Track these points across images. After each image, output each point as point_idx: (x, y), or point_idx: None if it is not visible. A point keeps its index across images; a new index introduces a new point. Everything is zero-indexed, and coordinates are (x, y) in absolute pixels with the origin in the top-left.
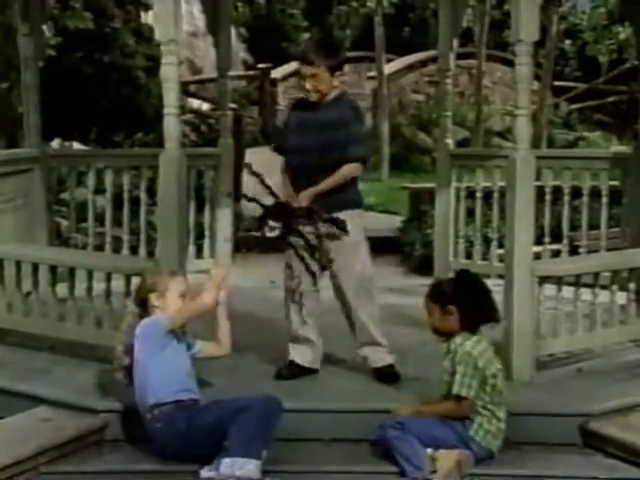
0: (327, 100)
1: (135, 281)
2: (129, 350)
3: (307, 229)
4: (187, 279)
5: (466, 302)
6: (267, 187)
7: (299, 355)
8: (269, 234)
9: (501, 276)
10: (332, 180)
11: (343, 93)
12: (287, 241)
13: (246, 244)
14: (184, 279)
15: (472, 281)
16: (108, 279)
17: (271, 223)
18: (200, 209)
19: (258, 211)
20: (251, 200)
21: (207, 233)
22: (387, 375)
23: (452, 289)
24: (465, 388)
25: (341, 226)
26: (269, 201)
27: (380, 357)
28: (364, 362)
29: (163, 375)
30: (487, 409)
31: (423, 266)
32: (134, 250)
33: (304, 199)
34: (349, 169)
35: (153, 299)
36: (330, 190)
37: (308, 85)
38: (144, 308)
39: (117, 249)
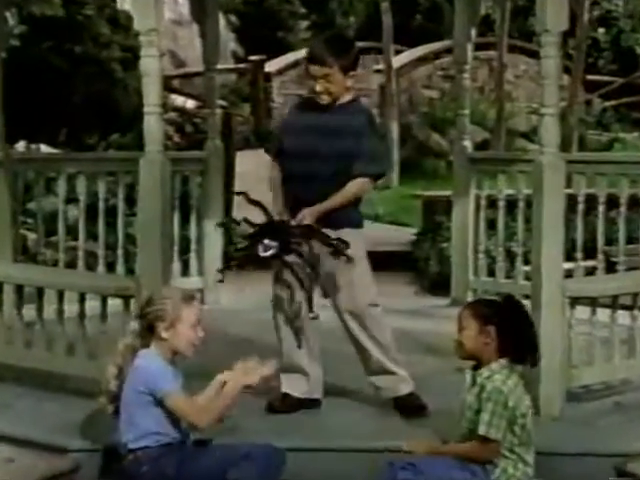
0: (339, 104)
1: (114, 302)
2: (121, 375)
3: (304, 249)
4: (200, 305)
5: (509, 329)
6: (257, 204)
7: (292, 386)
8: (263, 253)
9: (527, 296)
10: (340, 198)
11: (356, 98)
12: (283, 260)
13: (239, 260)
14: (198, 304)
15: (520, 310)
16: (81, 300)
17: (266, 242)
18: (186, 220)
19: (249, 228)
20: (238, 222)
21: (194, 247)
22: (410, 406)
23: (497, 310)
24: (494, 429)
25: (343, 249)
26: (260, 219)
27: (395, 385)
28: (376, 392)
29: (153, 414)
30: (514, 452)
31: (438, 285)
32: (111, 267)
33: (308, 217)
34: (360, 186)
35: (161, 329)
36: (323, 200)
37: (319, 87)
38: (150, 333)
39: (91, 266)
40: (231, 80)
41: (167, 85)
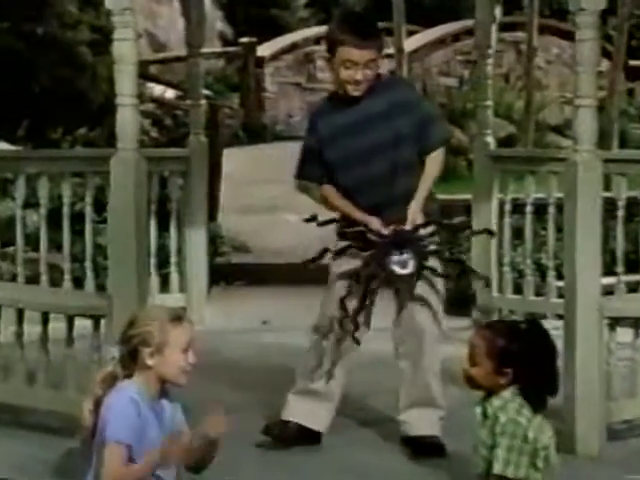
0: (370, 89)
1: (82, 323)
2: (98, 410)
3: (444, 253)
4: (192, 325)
5: (529, 369)
6: (359, 223)
7: (302, 412)
8: (401, 271)
9: (560, 316)
10: (431, 178)
11: (379, 74)
12: (418, 277)
13: (226, 274)
14: (190, 325)
15: (544, 342)
16: (44, 321)
17: (398, 257)
18: (164, 228)
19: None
20: (354, 228)
21: (174, 260)
22: (428, 446)
23: (517, 347)
24: (512, 467)
25: (467, 228)
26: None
27: (429, 424)
28: (400, 428)
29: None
30: None
31: (458, 303)
32: (78, 283)
33: (418, 214)
34: (439, 157)
35: (146, 355)
36: (405, 194)
37: (360, 75)
38: (133, 360)
39: (55, 281)
40: (218, 66)
41: (144, 72)
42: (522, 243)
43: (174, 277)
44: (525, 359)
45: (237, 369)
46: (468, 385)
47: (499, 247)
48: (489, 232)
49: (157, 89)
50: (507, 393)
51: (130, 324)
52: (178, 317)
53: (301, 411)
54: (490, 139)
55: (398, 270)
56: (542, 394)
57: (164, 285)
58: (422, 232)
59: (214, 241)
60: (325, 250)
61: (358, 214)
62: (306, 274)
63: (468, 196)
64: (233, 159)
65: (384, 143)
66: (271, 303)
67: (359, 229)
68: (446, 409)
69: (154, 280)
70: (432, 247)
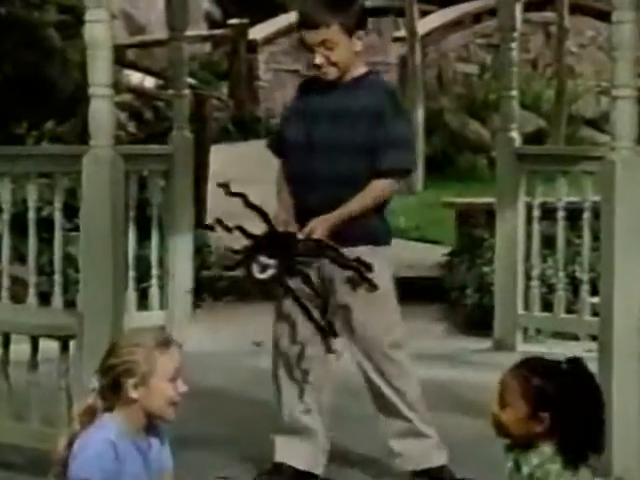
0: (349, 79)
1: (48, 345)
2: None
3: (313, 270)
4: (180, 350)
5: (570, 416)
6: (256, 209)
7: (292, 454)
8: (260, 275)
9: (595, 337)
10: (358, 204)
11: (372, 70)
12: (285, 285)
13: (215, 290)
14: (178, 351)
15: (588, 386)
16: (5, 343)
17: (263, 260)
18: (144, 236)
19: (238, 242)
20: (231, 229)
21: (155, 272)
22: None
23: (556, 388)
24: None
25: (364, 272)
26: (258, 230)
27: (424, 453)
28: (396, 461)
29: None
30: None
31: (478, 321)
32: (44, 298)
33: (319, 229)
34: (383, 187)
35: (129, 387)
36: (337, 206)
37: (319, 57)
38: (115, 393)
39: (19, 297)
40: (204, 51)
41: (120, 58)
42: (553, 253)
43: (154, 292)
44: (565, 403)
45: (226, 398)
46: (497, 432)
47: (526, 258)
48: (367, 282)
49: (135, 77)
50: (547, 449)
51: (111, 352)
52: (165, 342)
53: (291, 452)
54: (515, 134)
55: (257, 274)
56: (584, 449)
57: (143, 301)
58: (302, 246)
59: (201, 251)
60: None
61: (278, 214)
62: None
63: (490, 200)
64: (222, 157)
65: (341, 145)
66: (265, 322)
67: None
68: (456, 444)
69: (131, 296)
70: (302, 263)
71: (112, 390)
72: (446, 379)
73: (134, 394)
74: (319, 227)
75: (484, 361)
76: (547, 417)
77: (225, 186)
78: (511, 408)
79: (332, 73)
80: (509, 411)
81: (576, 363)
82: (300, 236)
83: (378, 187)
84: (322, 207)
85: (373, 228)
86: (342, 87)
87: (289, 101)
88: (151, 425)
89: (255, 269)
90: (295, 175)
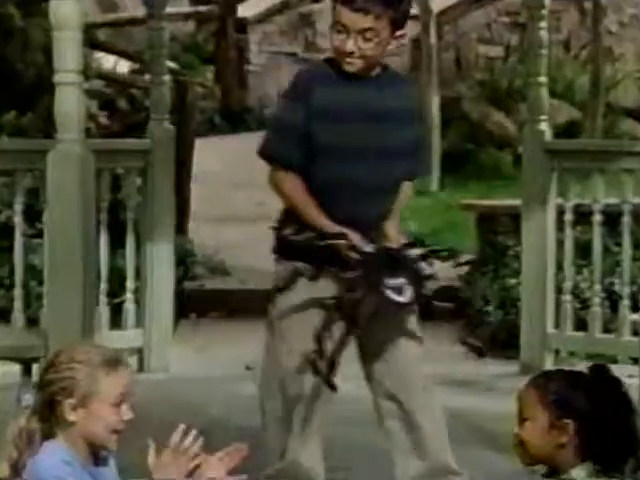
0: (375, 73)
1: (8, 368)
2: (19, 470)
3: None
4: (130, 372)
5: (598, 424)
6: (340, 237)
7: None
8: (400, 298)
9: (636, 360)
10: (399, 210)
11: (386, 64)
12: (320, 301)
13: (199, 304)
14: (127, 372)
15: (614, 390)
16: None
17: (393, 281)
18: (118, 244)
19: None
20: (328, 240)
21: (130, 285)
22: None
23: (578, 394)
24: None
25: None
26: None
27: None
28: None
29: None
30: None
31: (502, 341)
32: (3, 315)
33: (398, 232)
34: (411, 193)
35: (67, 408)
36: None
37: (351, 45)
38: (52, 412)
39: None
40: (187, 31)
41: (90, 39)
42: (588, 264)
43: (130, 308)
44: (590, 408)
45: (212, 431)
46: (521, 458)
47: (557, 268)
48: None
49: (107, 61)
50: (579, 472)
51: (50, 365)
52: (113, 361)
53: None
54: (545, 127)
55: (394, 297)
56: (618, 461)
57: (116, 319)
58: (412, 253)
59: (183, 261)
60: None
61: (326, 222)
62: None
63: (515, 202)
64: (208, 153)
65: (385, 149)
66: (257, 342)
67: (336, 242)
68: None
69: (103, 312)
70: (427, 271)
71: (49, 410)
72: (466, 408)
73: (72, 416)
74: (399, 234)
75: (509, 388)
76: (571, 424)
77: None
78: (531, 421)
79: (357, 65)
80: (529, 425)
81: (599, 369)
82: (395, 246)
83: (409, 193)
84: (371, 220)
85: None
86: (371, 82)
87: (295, 96)
88: (97, 456)
89: (389, 292)
90: (331, 187)
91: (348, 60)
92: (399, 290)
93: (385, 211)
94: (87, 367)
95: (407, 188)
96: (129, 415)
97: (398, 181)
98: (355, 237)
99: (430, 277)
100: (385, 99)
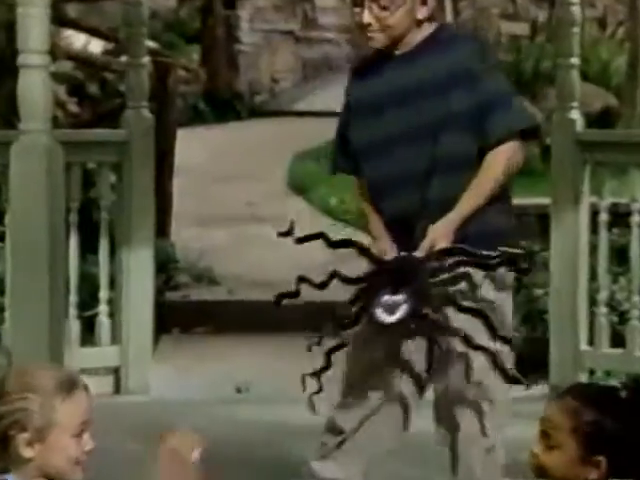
0: (411, 46)
1: None
2: None
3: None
4: (90, 397)
5: (632, 459)
6: (364, 252)
7: None
8: (388, 318)
9: None
10: (477, 190)
11: (442, 27)
12: (411, 330)
13: (182, 317)
14: (86, 396)
15: None
16: None
17: (387, 298)
18: (90, 249)
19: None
20: (326, 284)
21: (104, 296)
22: None
23: (615, 423)
24: None
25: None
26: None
27: None
28: None
29: None
30: None
31: (528, 361)
32: None
33: (439, 235)
34: (501, 159)
35: (21, 444)
36: (445, 201)
37: (367, 16)
38: (5, 449)
39: None
40: (169, 6)
41: (59, 16)
42: (626, 272)
43: (104, 322)
44: (626, 443)
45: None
46: (536, 475)
47: (591, 276)
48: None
49: (78, 40)
50: None
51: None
52: (69, 385)
53: None
54: (577, 115)
55: (380, 316)
56: None
57: (89, 334)
58: (436, 264)
59: (164, 267)
60: (333, 275)
61: (377, 229)
62: (300, 317)
63: (544, 200)
64: (192, 144)
65: (425, 127)
66: (248, 360)
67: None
68: None
69: (73, 326)
70: (444, 289)
71: (2, 445)
72: None
73: (27, 452)
74: (442, 234)
75: (537, 413)
76: (603, 461)
77: (290, 233)
78: (559, 450)
79: (380, 40)
80: (556, 454)
81: (637, 390)
82: (419, 253)
83: (501, 158)
84: (426, 212)
85: (495, 225)
86: (405, 58)
87: (344, 97)
88: None
89: (378, 312)
90: (376, 186)
91: (369, 35)
92: (391, 308)
93: (440, 199)
94: (40, 396)
95: (490, 161)
96: (91, 445)
97: (454, 159)
98: (383, 244)
99: (445, 297)
100: (419, 72)
